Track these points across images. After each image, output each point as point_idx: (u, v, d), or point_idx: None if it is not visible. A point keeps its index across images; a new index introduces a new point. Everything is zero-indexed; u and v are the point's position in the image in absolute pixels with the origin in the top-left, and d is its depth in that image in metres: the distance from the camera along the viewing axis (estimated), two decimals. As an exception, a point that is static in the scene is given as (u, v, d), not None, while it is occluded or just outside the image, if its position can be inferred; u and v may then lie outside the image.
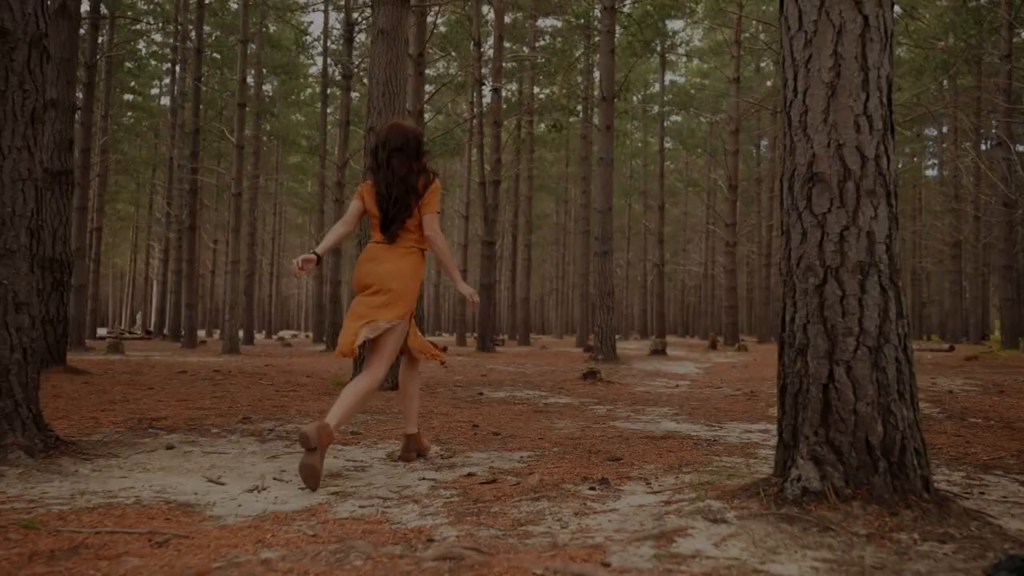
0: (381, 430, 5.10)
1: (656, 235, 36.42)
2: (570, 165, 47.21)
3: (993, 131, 31.99)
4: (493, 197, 19.72)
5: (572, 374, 11.29)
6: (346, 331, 3.86)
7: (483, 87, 20.86)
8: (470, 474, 3.72)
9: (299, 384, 8.21)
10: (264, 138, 37.74)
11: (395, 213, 3.90)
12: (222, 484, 3.51)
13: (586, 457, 4.09)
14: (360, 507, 3.12)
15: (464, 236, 29.87)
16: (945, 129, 38.87)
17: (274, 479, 3.62)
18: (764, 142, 41.25)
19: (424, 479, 3.64)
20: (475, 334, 21.59)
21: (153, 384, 7.80)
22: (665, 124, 39.78)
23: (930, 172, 46.91)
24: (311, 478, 3.39)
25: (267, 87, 42.74)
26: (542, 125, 41.64)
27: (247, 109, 18.16)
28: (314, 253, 3.92)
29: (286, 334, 53.21)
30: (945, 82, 31.48)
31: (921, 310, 45.83)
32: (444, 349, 17.57)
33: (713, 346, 24.63)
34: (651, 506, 2.90)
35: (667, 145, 41.25)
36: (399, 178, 3.89)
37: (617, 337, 48.28)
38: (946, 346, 22.95)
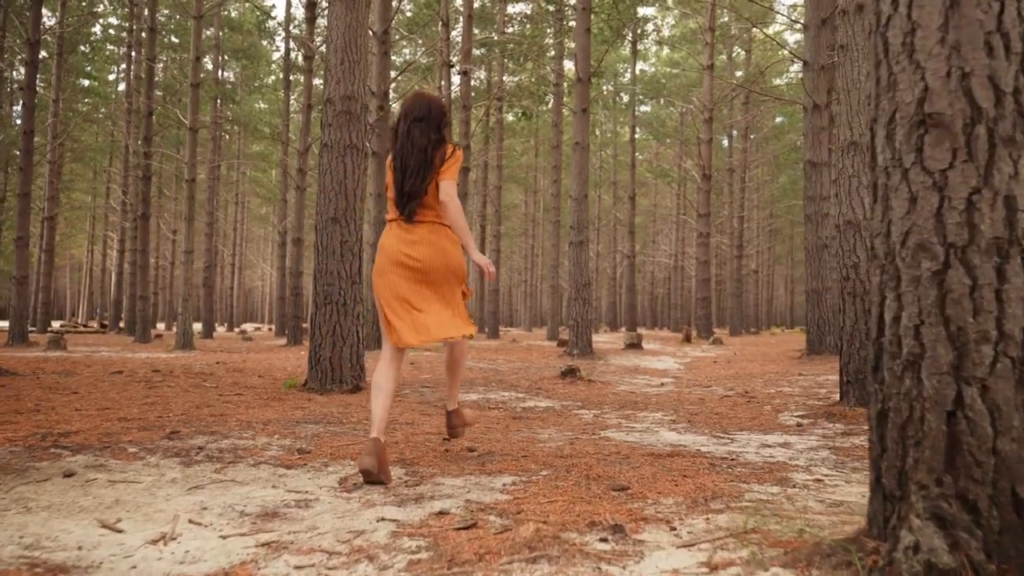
0: (334, 446, 4.30)
1: (627, 226, 35.79)
2: (539, 155, 46.52)
3: None
4: (462, 185, 18.88)
5: (548, 371, 10.55)
6: (412, 323, 3.65)
7: (451, 70, 20.00)
8: (442, 512, 2.94)
9: (248, 386, 7.36)
10: (226, 125, 36.54)
11: (412, 187, 3.66)
12: (119, 531, 2.69)
13: (585, 485, 3.33)
14: (296, 567, 2.33)
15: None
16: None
17: (190, 522, 2.81)
18: (735, 132, 40.76)
19: (383, 520, 2.85)
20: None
21: (80, 387, 6.91)
22: (636, 114, 39.11)
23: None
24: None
25: (228, 73, 41.51)
26: (510, 115, 40.95)
27: (203, 92, 17.15)
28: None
29: (248, 327, 52.02)
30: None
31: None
32: (411, 343, 16.72)
33: (687, 339, 24.04)
34: (689, 572, 2.14)
35: (637, 135, 40.62)
36: (418, 149, 3.68)
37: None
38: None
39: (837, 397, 6.54)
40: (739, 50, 38.96)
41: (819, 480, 3.48)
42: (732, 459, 4.00)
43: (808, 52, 12.95)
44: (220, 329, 46.12)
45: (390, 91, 16.24)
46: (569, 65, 34.00)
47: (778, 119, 50.64)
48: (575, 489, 3.26)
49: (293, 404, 5.97)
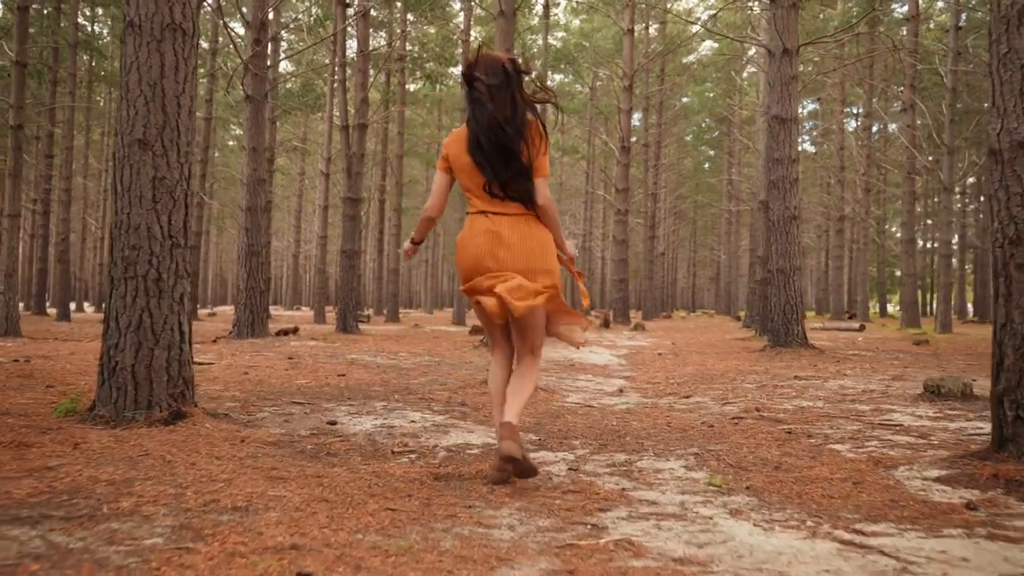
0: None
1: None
2: (443, 129, 43.76)
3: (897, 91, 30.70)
4: (359, 145, 16.16)
5: (467, 370, 8.13)
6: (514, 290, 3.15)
7: (346, 8, 17.15)
8: None
9: (6, 411, 4.64)
10: (96, 85, 32.44)
11: (500, 167, 3.19)
12: None
13: None
14: None
15: (324, 197, 26.04)
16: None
17: None
18: (649, 106, 38.96)
19: None
20: (338, 308, 18.06)
21: None
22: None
23: (807, 146, 46.00)
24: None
25: (100, 27, 37.21)
26: (411, 87, 38.04)
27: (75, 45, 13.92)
28: (412, 242, 3.68)
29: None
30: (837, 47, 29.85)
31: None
32: (295, 330, 14.03)
33: (606, 324, 21.99)
34: None
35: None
36: (504, 119, 3.17)
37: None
38: (856, 325, 21.13)
39: (931, 427, 4.35)
40: (657, 23, 37.07)
41: None
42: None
43: (773, -12, 10.86)
44: (89, 310, 41.71)
45: (268, 21, 13.40)
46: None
47: (684, 99, 49.39)
48: None
49: (46, 453, 3.36)
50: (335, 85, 18.65)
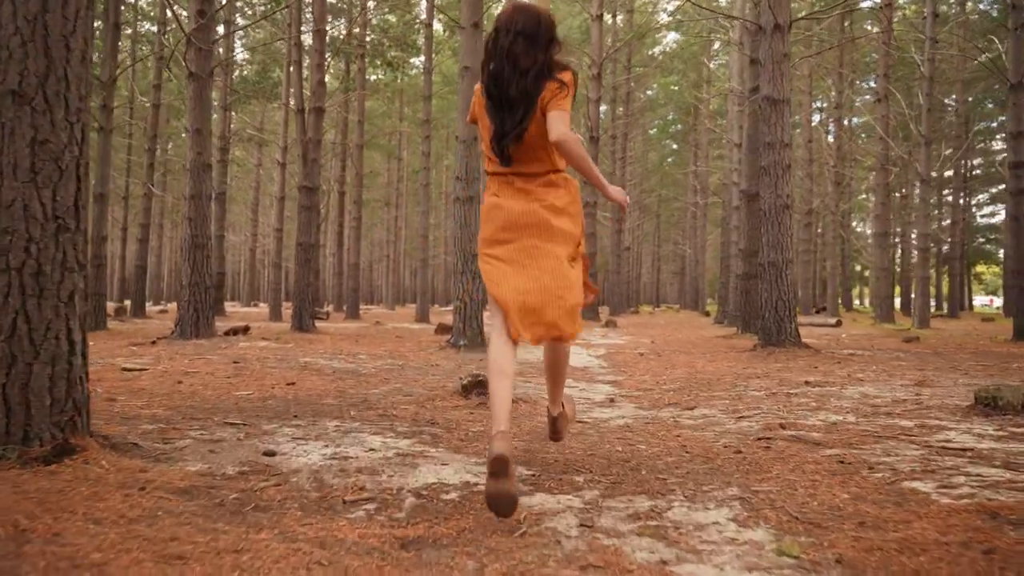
0: None
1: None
2: (404, 120, 42.61)
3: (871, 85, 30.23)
4: (315, 130, 15.10)
5: (436, 377, 7.21)
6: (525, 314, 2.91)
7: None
8: None
9: None
10: None
11: (512, 124, 2.89)
12: None
13: None
14: None
15: (281, 188, 24.86)
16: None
17: None
18: (616, 97, 38.20)
19: None
20: (293, 305, 16.93)
21: None
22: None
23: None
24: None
25: None
26: (372, 76, 36.82)
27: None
28: None
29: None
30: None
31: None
32: (246, 329, 12.98)
33: (575, 321, 21.12)
34: None
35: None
36: (520, 72, 2.87)
37: (442, 308, 44.27)
38: (832, 320, 20.52)
39: (1005, 450, 3.53)
40: (623, 12, 36.28)
41: None
42: None
43: (763, -40, 10.05)
44: None
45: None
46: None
47: (649, 92, 48.76)
48: None
49: None
50: (291, 68, 17.52)
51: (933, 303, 46.06)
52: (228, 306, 40.56)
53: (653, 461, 3.69)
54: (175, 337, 11.11)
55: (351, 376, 7.32)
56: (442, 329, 13.88)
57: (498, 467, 2.54)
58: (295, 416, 4.77)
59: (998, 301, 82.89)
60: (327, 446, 3.86)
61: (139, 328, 15.58)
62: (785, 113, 10.01)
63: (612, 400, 6.12)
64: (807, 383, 6.63)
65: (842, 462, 3.57)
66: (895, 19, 24.51)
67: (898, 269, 41.27)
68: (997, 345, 12.34)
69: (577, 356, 10.65)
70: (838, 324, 20.09)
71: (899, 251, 41.75)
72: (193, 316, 11.11)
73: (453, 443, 4.06)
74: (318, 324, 17.16)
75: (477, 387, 5.62)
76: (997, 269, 66.88)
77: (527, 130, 2.90)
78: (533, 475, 3.37)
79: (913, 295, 40.67)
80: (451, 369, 8.32)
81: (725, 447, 4.03)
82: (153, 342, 10.74)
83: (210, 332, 11.35)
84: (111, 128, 15.51)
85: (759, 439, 4.24)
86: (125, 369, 7.50)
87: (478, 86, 3.06)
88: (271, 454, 3.64)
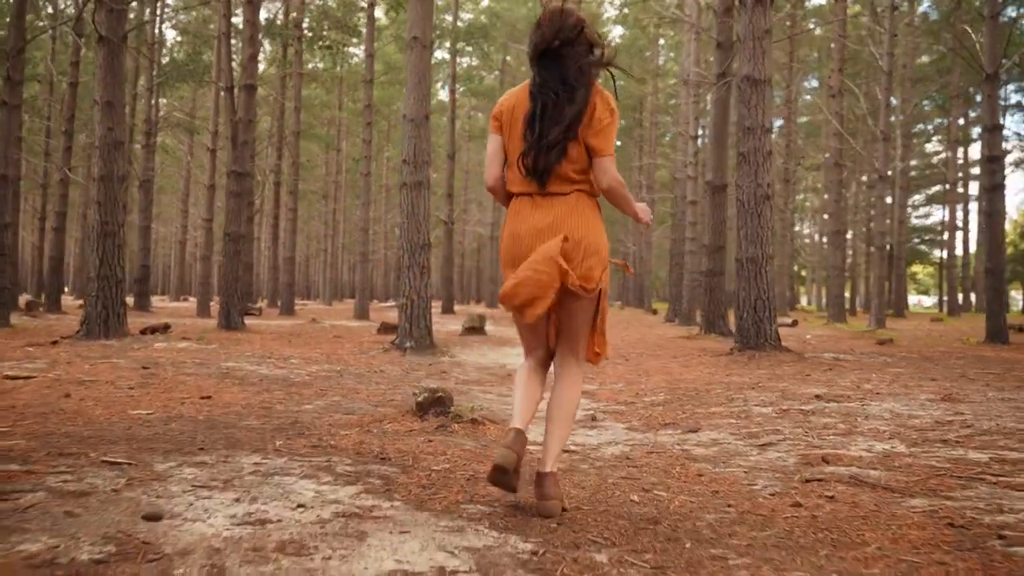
0: None
1: (444, 188, 31.36)
2: (344, 109, 41.10)
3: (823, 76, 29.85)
4: (246, 110, 13.80)
5: (382, 388, 6.15)
6: (524, 280, 2.66)
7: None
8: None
9: None
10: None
11: (554, 140, 2.71)
12: None
13: None
14: None
15: (211, 176, 23.34)
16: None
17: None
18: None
19: None
20: (221, 300, 15.55)
21: None
22: (456, 70, 34.51)
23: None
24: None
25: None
26: (310, 64, 35.29)
27: None
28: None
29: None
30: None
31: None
32: (166, 327, 11.69)
33: (523, 319, 20.17)
34: None
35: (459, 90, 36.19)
36: (570, 86, 2.71)
37: (382, 305, 42.90)
38: (788, 320, 19.93)
39: None
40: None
41: None
42: None
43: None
44: None
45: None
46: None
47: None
48: None
49: None
50: (220, 41, 16.14)
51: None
52: (157, 300, 38.58)
53: (690, 521, 2.70)
54: (80, 337, 9.79)
55: (280, 386, 6.20)
56: (385, 328, 12.75)
57: (499, 477, 2.64)
58: (202, 449, 3.66)
59: (927, 301, 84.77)
60: (239, 500, 2.78)
61: (49, 325, 14.11)
62: (766, 94, 9.16)
63: (593, 418, 5.13)
64: (818, 397, 5.72)
65: (952, 524, 2.62)
66: (850, 12, 24.08)
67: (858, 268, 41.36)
68: (974, 348, 11.72)
69: (536, 359, 9.67)
70: (795, 324, 19.51)
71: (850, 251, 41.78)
72: (102, 313, 9.80)
73: (413, 492, 3.01)
74: (249, 321, 15.86)
75: (435, 405, 4.57)
76: (931, 269, 68.20)
77: (566, 155, 2.75)
78: (534, 552, 2.34)
79: (857, 294, 40.67)
80: (398, 376, 7.25)
81: (772, 495, 3.06)
82: (54, 342, 9.42)
83: (122, 331, 10.05)
84: (17, 103, 13.97)
85: (808, 481, 3.28)
86: (7, 377, 6.26)
87: (507, 101, 2.85)
88: (154, 518, 2.54)
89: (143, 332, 11.04)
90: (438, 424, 4.39)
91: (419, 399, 4.60)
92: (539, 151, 2.72)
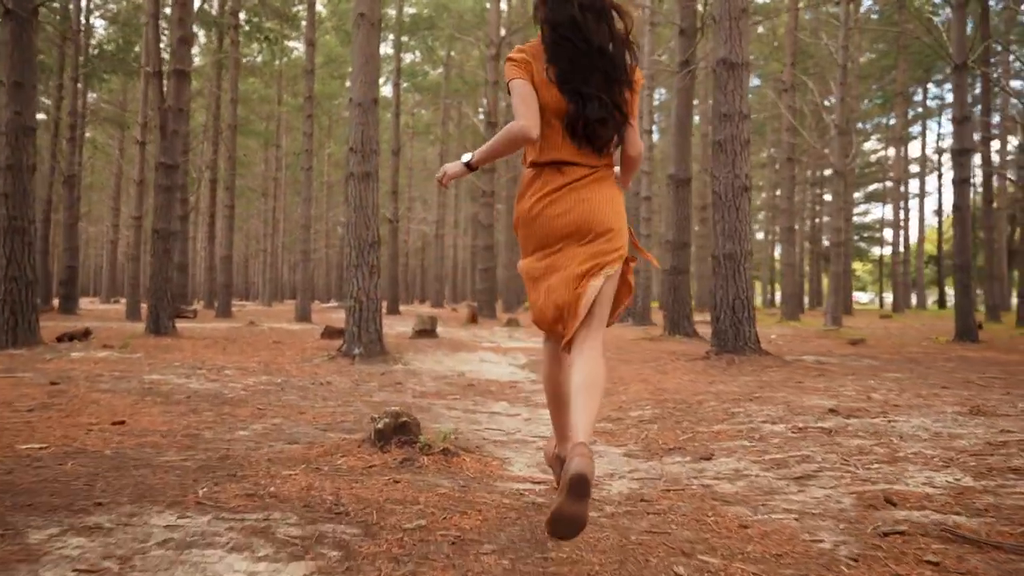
0: None
1: (389, 185, 30.40)
2: (284, 105, 39.75)
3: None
4: (177, 97, 12.73)
5: (326, 401, 5.32)
6: (554, 292, 2.57)
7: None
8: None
9: None
10: None
11: (602, 112, 2.49)
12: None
13: None
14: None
15: (140, 171, 22.05)
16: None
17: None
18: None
19: None
20: (149, 303, 14.38)
21: None
22: (401, 65, 33.47)
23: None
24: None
25: None
26: (248, 58, 33.97)
27: None
28: (467, 165, 2.65)
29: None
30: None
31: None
32: (86, 333, 10.63)
33: (473, 320, 19.47)
34: None
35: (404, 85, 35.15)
36: (608, 56, 2.53)
37: (324, 306, 41.61)
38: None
39: None
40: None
41: None
42: None
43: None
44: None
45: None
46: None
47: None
48: None
49: None
50: (148, 24, 15.00)
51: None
52: (86, 303, 36.84)
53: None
54: (-15, 346, 8.72)
55: (211, 405, 5.32)
56: (330, 333, 11.84)
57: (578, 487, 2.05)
58: (99, 504, 2.80)
59: (863, 297, 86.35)
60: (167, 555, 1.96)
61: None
62: (744, 79, 8.54)
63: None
64: (832, 412, 5.05)
65: None
66: (800, 5, 23.82)
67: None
68: (948, 348, 11.31)
69: (496, 365, 8.90)
70: (751, 322, 19.09)
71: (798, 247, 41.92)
72: (9, 320, 8.73)
73: (383, 571, 2.21)
74: (182, 325, 14.78)
75: (399, 432, 3.77)
76: (870, 266, 69.39)
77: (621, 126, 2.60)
78: None
79: (803, 293, 40.88)
80: (347, 389, 6.42)
81: (855, 561, 2.34)
82: (-47, 353, 8.34)
83: (33, 339, 8.99)
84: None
85: (886, 535, 2.57)
86: None
87: (529, 49, 2.58)
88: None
89: (59, 339, 9.98)
90: (403, 457, 3.59)
91: (378, 426, 3.79)
92: (608, 111, 2.50)
